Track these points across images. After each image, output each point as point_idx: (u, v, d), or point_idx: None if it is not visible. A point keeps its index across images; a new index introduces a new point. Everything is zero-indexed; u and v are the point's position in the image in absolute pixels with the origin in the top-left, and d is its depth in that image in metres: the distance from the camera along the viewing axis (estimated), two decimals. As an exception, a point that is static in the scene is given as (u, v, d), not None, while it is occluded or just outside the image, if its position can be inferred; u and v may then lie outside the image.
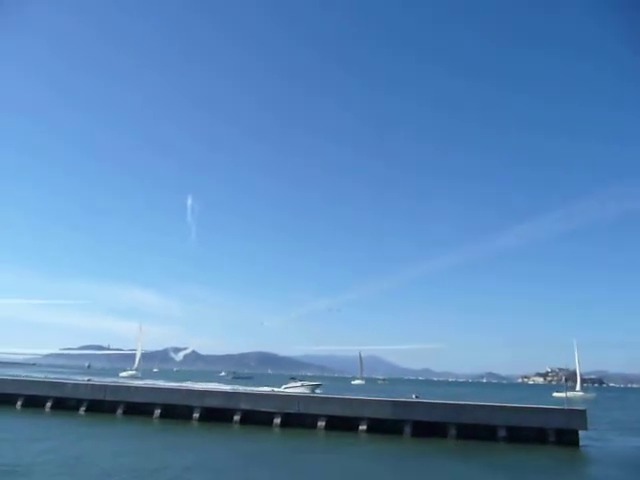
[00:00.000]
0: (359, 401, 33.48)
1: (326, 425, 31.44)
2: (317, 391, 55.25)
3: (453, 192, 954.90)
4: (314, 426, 31.52)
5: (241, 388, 50.08)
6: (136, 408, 35.33)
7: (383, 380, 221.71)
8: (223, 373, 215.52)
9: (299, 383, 60.56)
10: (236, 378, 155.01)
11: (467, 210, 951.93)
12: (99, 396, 36.75)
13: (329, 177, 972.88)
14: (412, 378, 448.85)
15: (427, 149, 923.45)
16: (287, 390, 52.83)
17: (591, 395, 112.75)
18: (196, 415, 33.90)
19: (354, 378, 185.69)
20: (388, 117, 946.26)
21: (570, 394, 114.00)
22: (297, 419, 32.16)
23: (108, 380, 45.23)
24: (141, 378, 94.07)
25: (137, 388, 38.72)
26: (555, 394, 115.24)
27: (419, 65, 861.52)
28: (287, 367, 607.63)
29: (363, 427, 30.94)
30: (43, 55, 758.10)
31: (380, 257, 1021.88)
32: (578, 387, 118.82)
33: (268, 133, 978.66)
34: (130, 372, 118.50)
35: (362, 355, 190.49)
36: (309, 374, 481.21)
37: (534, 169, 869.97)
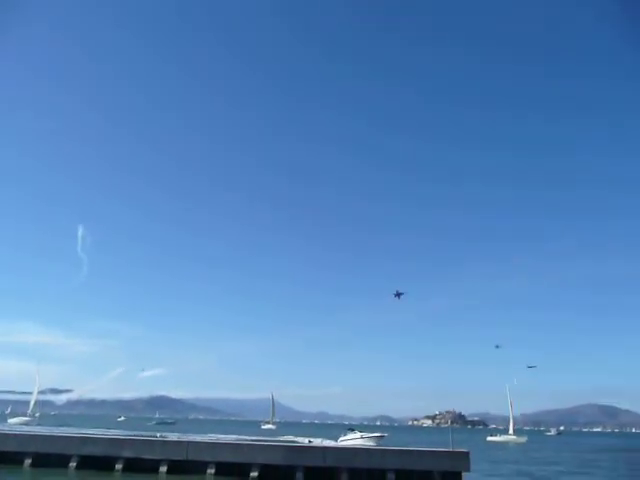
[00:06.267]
0: (250, 446, 32.43)
1: (216, 472, 30.16)
2: (381, 442, 47.18)
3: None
4: (203, 472, 30.12)
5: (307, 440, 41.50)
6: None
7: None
8: (122, 418, 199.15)
9: (358, 434, 50.89)
10: (160, 424, 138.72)
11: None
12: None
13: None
14: (308, 422, 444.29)
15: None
16: (344, 443, 45.31)
17: (523, 439, 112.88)
18: (73, 464, 31.13)
19: (257, 422, 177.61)
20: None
21: (504, 438, 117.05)
22: (185, 466, 30.57)
23: None
24: (39, 425, 70.72)
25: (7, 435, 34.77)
26: (490, 438, 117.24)
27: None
28: (179, 410, 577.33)
29: (254, 474, 29.93)
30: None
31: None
32: (511, 430, 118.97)
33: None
34: (23, 418, 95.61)
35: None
36: (200, 417, 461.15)
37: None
